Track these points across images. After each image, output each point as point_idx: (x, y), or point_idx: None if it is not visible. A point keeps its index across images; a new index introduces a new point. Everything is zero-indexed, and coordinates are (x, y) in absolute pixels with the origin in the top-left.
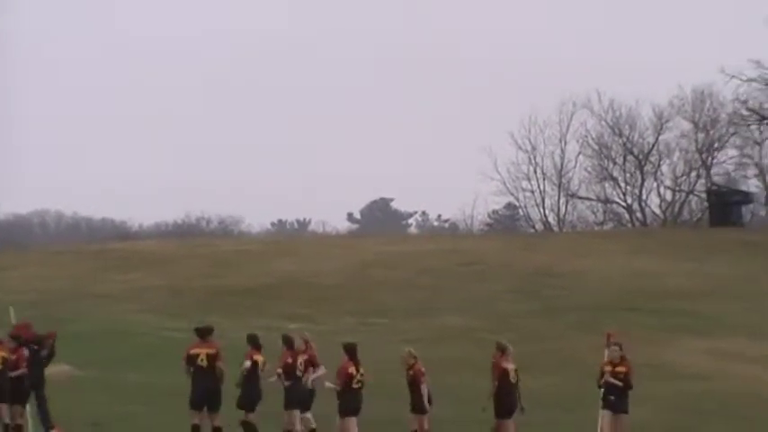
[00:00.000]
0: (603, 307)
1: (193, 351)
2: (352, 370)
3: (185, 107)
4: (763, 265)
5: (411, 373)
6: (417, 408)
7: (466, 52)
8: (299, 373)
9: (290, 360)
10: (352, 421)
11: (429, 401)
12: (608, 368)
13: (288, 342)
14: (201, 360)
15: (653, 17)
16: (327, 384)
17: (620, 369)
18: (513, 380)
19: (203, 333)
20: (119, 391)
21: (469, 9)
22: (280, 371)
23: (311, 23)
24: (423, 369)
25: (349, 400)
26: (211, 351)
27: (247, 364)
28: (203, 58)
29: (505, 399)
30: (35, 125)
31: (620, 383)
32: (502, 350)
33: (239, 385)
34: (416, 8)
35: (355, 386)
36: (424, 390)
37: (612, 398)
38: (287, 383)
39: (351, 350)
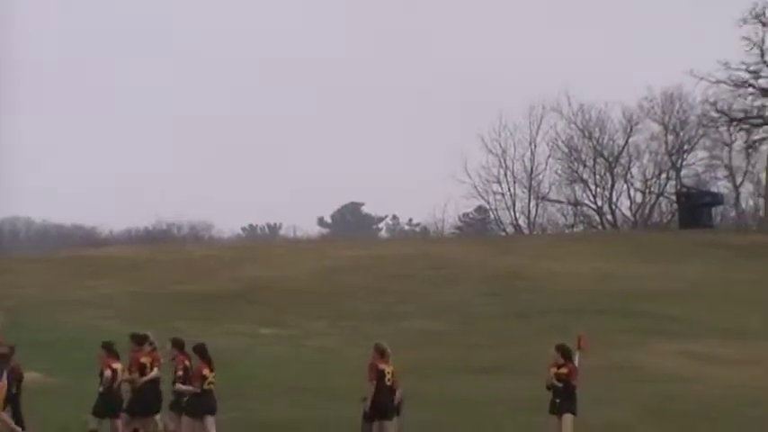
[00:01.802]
0: (574, 310)
1: (144, 360)
2: (206, 371)
3: (157, 109)
4: (734, 266)
5: None
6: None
7: (435, 53)
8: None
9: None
10: (210, 421)
11: (399, 408)
12: (553, 370)
13: (179, 345)
14: (148, 368)
15: (622, 19)
16: (180, 386)
17: (562, 371)
18: (388, 382)
19: (142, 340)
20: (90, 398)
21: (439, 9)
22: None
23: (286, 24)
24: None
25: (203, 402)
26: (153, 359)
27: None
28: (174, 59)
29: (381, 403)
30: (4, 132)
31: (560, 384)
32: (381, 352)
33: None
34: (385, 10)
35: (206, 387)
36: (399, 395)
37: (556, 400)
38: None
39: (201, 351)
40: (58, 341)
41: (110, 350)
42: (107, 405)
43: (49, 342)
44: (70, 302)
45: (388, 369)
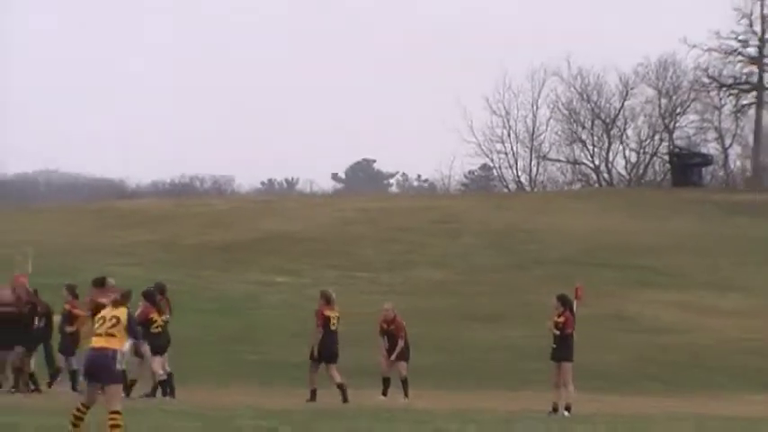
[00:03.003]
0: (573, 262)
1: (102, 300)
2: (153, 315)
3: (178, 71)
4: (722, 222)
5: (393, 327)
6: (398, 356)
7: (444, 19)
8: None
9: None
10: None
11: (405, 354)
12: (554, 319)
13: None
14: None
15: None
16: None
17: (559, 320)
18: (333, 327)
19: (101, 283)
20: None
21: None
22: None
23: None
24: (403, 323)
25: (152, 343)
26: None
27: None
28: (192, 23)
29: (328, 345)
30: (39, 86)
31: (557, 332)
32: (326, 299)
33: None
34: None
35: (154, 331)
36: (401, 343)
37: (554, 347)
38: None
39: (148, 296)
40: (82, 286)
41: (72, 292)
42: (68, 344)
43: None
44: (96, 251)
45: (333, 315)
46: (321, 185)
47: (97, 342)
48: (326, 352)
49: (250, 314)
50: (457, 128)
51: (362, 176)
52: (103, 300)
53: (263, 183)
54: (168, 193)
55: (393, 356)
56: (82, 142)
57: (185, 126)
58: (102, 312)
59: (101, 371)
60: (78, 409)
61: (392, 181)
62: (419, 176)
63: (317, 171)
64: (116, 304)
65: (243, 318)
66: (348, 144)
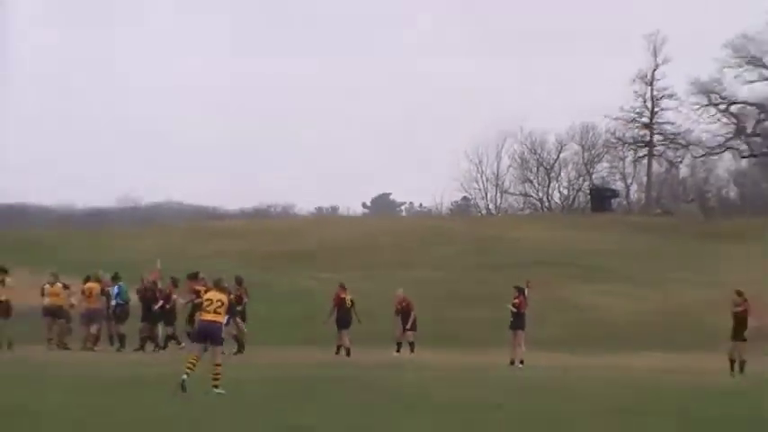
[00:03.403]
0: (528, 263)
1: (198, 287)
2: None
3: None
4: (627, 236)
5: (405, 305)
6: (410, 328)
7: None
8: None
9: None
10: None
11: (414, 326)
12: (512, 301)
13: (238, 281)
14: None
15: (558, 76)
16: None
17: (516, 301)
18: (348, 305)
19: (195, 276)
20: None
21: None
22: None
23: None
24: (413, 303)
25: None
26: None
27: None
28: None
29: (343, 318)
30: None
31: (514, 310)
32: (343, 287)
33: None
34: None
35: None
36: (413, 316)
37: (512, 320)
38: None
39: (216, 284)
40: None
41: (174, 282)
42: (169, 317)
43: (182, 280)
44: (196, 257)
45: (347, 297)
46: (355, 211)
47: (208, 316)
48: (343, 321)
49: (306, 301)
50: (447, 171)
51: (382, 204)
52: (197, 287)
53: (315, 208)
54: (248, 216)
55: (408, 326)
56: (190, 180)
57: (262, 166)
58: (209, 295)
59: (212, 336)
60: (190, 361)
61: (402, 207)
62: (420, 204)
63: (352, 201)
64: (222, 291)
65: (301, 304)
66: (372, 181)
